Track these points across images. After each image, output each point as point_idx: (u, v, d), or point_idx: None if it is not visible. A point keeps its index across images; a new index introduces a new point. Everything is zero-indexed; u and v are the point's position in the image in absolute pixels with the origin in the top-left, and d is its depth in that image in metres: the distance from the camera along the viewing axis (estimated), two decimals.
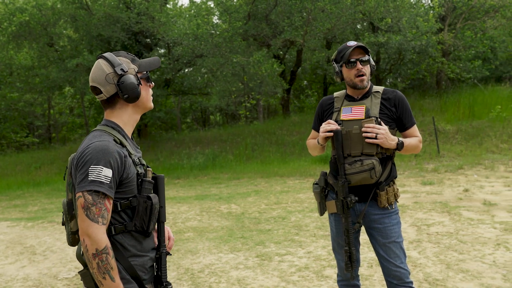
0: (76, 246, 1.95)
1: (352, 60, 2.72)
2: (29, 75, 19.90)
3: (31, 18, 16.99)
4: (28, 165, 18.40)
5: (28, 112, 25.57)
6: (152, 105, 2.03)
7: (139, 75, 1.93)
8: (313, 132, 3.01)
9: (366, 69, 2.72)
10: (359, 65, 2.70)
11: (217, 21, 18.39)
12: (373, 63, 2.78)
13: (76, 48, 18.73)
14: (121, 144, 1.84)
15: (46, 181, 15.09)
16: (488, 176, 9.13)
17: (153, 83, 2.05)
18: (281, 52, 19.32)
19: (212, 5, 18.30)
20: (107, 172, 1.73)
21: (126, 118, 1.94)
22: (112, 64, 1.87)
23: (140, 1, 16.54)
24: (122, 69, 1.86)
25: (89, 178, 1.72)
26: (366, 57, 2.72)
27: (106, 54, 1.90)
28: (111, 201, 1.77)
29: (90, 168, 1.72)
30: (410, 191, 8.15)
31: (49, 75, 18.25)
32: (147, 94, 1.97)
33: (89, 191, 1.71)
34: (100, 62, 1.89)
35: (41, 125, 27.66)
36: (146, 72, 1.97)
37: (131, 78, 1.86)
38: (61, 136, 28.46)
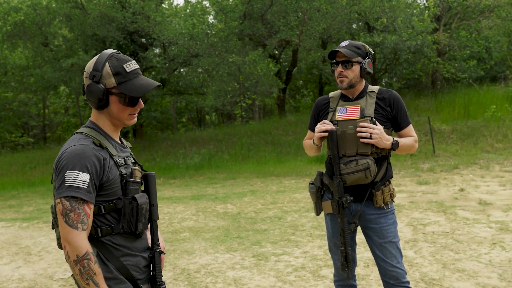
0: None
1: (334, 62, 2.79)
2: (24, 74, 19.81)
3: (26, 17, 16.90)
4: (23, 165, 18.32)
5: (22, 112, 25.45)
6: (128, 123, 1.90)
7: (114, 91, 1.81)
8: (309, 133, 3.01)
9: (349, 72, 2.72)
10: (339, 68, 2.74)
11: (213, 20, 18.37)
12: (365, 65, 2.74)
13: (71, 48, 18.66)
14: (101, 146, 1.79)
15: (41, 181, 15.02)
16: (483, 176, 9.16)
17: (139, 104, 1.88)
18: (276, 52, 19.32)
19: (207, 5, 18.28)
20: (84, 177, 1.69)
21: (102, 122, 1.88)
22: (93, 66, 1.81)
23: (136, 1, 16.49)
24: (94, 76, 1.79)
25: (66, 184, 1.69)
26: (351, 60, 2.71)
27: (103, 53, 1.84)
28: (91, 206, 1.73)
29: (66, 174, 1.69)
30: (405, 191, 8.17)
31: (44, 74, 18.16)
32: (119, 112, 1.85)
33: (67, 197, 1.69)
34: (95, 57, 1.86)
35: (36, 125, 27.56)
36: (125, 94, 1.81)
37: (95, 88, 1.78)
38: (56, 136, 28.36)
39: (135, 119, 1.93)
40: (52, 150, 20.88)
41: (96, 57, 1.85)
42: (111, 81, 1.81)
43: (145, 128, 23.75)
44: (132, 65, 1.84)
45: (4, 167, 18.46)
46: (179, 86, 21.35)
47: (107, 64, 1.81)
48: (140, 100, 1.89)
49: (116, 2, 17.26)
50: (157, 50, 19.97)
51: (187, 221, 7.20)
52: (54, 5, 17.54)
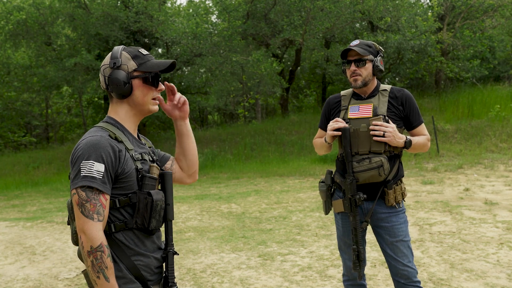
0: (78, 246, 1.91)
1: (347, 60, 2.76)
2: (27, 74, 19.79)
3: (28, 16, 16.89)
4: (26, 165, 18.32)
5: (25, 111, 25.43)
6: (152, 108, 1.90)
7: (136, 74, 1.84)
8: (320, 131, 2.98)
9: (363, 70, 2.71)
10: (353, 67, 2.71)
11: (216, 20, 18.34)
12: (377, 62, 2.73)
13: (74, 47, 18.64)
14: (116, 139, 1.78)
15: (44, 181, 15.02)
16: (488, 176, 9.12)
17: (160, 86, 1.93)
18: (279, 52, 19.28)
19: (210, 4, 18.25)
20: (99, 167, 1.68)
21: (123, 115, 1.89)
22: (111, 57, 1.85)
23: (139, 0, 16.48)
24: (114, 63, 1.82)
25: (81, 174, 1.68)
26: (364, 58, 2.70)
27: (116, 47, 1.88)
28: (107, 197, 1.72)
29: (81, 164, 1.69)
30: (410, 191, 8.13)
31: (47, 74, 18.15)
32: (143, 95, 1.86)
33: (82, 187, 1.68)
34: (109, 53, 1.88)
35: (39, 125, 27.54)
36: (148, 73, 1.85)
37: (118, 73, 1.81)
38: (58, 136, 28.34)
39: (157, 106, 1.95)
40: (55, 150, 20.88)
41: (110, 53, 1.88)
42: (132, 64, 1.85)
43: (148, 128, 23.71)
44: (145, 51, 1.92)
45: (7, 167, 18.47)
46: (182, 85, 21.33)
47: (123, 52, 1.87)
48: (161, 83, 1.94)
49: (119, 2, 17.25)
50: (160, 50, 19.93)
51: (192, 221, 7.17)
52: (57, 5, 17.54)
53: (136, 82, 1.85)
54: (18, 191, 13.69)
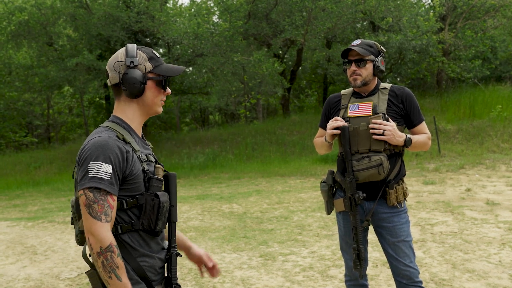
0: (82, 246, 1.90)
1: (347, 60, 2.76)
2: (28, 74, 19.82)
3: (30, 17, 16.93)
4: (27, 164, 18.34)
5: (27, 111, 25.48)
6: (159, 109, 1.94)
7: (150, 75, 1.85)
8: (320, 130, 2.98)
9: (363, 70, 2.70)
10: (353, 67, 2.71)
11: (218, 20, 18.35)
12: (378, 63, 2.72)
13: (76, 47, 18.66)
14: (124, 140, 1.78)
15: (45, 181, 15.03)
16: (489, 176, 9.11)
17: (169, 90, 1.96)
18: (280, 52, 19.29)
19: (212, 4, 18.26)
20: (107, 168, 1.68)
21: (131, 115, 1.88)
22: (127, 54, 1.83)
23: (140, 0, 16.50)
24: (132, 62, 1.81)
25: (89, 175, 1.67)
26: (364, 58, 2.69)
27: (130, 44, 1.87)
28: (115, 198, 1.72)
29: (89, 165, 1.68)
30: (412, 191, 8.12)
31: (49, 74, 18.17)
32: (154, 97, 1.88)
33: (90, 188, 1.67)
34: (121, 49, 1.87)
35: (40, 125, 27.57)
36: (162, 76, 1.88)
37: (135, 73, 1.80)
38: (60, 136, 28.38)
39: (162, 107, 1.98)
40: (56, 150, 20.91)
41: (122, 49, 1.86)
42: (148, 65, 1.86)
43: (149, 128, 23.73)
44: (157, 53, 1.93)
45: (9, 167, 18.49)
46: (183, 85, 21.35)
47: (139, 51, 1.86)
48: (168, 87, 1.96)
49: (120, 2, 17.25)
50: (161, 50, 19.95)
51: (193, 221, 7.17)
52: (58, 5, 17.56)
53: (149, 84, 1.86)
54: (20, 191, 13.71)
